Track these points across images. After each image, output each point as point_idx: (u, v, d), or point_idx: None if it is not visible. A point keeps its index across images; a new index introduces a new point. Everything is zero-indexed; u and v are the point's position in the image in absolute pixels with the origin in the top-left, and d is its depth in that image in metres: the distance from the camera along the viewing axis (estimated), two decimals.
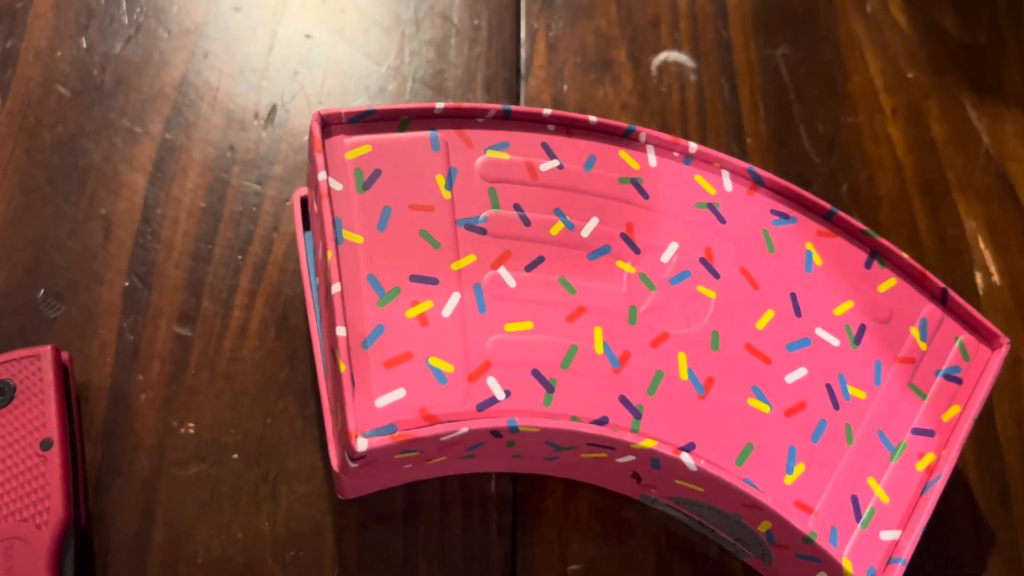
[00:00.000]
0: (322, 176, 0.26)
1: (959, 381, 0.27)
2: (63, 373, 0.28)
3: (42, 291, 0.31)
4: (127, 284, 0.31)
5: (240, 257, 0.32)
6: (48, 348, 0.28)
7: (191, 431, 0.29)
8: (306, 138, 0.34)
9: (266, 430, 0.29)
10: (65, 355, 0.29)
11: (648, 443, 0.25)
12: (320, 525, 0.28)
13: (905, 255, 0.28)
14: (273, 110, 0.35)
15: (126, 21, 0.36)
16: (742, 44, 0.39)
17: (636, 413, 0.25)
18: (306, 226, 0.31)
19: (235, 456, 0.29)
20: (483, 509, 0.29)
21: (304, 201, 0.31)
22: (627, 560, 0.28)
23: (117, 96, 0.35)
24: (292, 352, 0.30)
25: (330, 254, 0.25)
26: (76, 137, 0.34)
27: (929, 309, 0.28)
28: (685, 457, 0.25)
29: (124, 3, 0.37)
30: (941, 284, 0.28)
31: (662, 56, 0.38)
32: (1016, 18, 0.40)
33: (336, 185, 0.26)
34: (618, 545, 0.28)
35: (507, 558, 0.28)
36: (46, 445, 0.26)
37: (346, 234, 0.26)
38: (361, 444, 0.23)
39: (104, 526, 0.28)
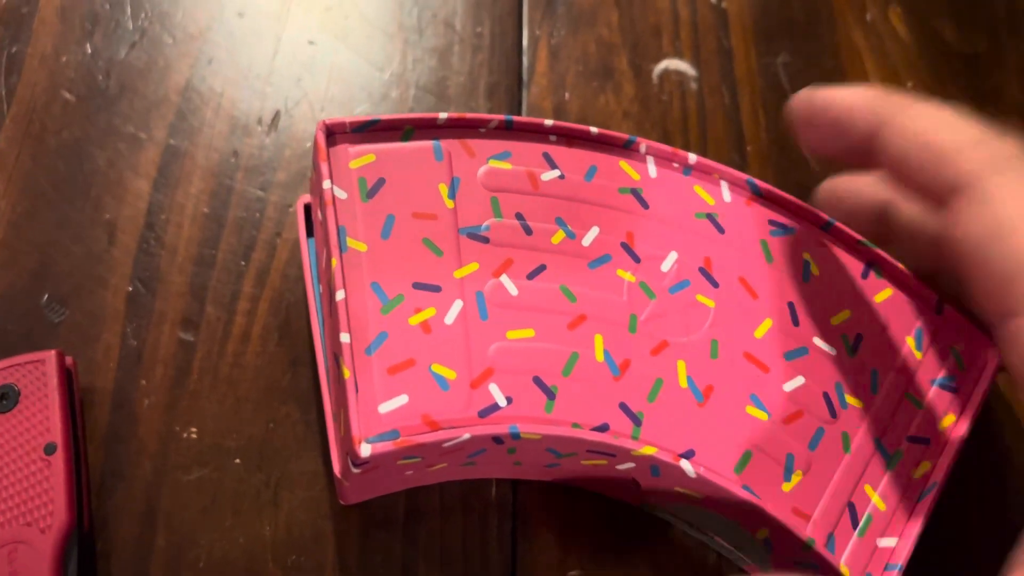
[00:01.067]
0: (327, 185, 0.26)
1: (955, 390, 0.28)
2: (67, 378, 0.28)
3: (46, 296, 0.31)
4: (131, 289, 0.31)
5: (243, 262, 0.32)
6: (52, 353, 0.28)
7: (193, 436, 0.29)
8: (309, 144, 0.34)
9: (268, 435, 0.29)
10: (69, 360, 0.29)
11: (648, 450, 0.25)
12: (321, 530, 0.28)
13: (901, 265, 0.29)
14: (277, 116, 0.35)
15: (131, 27, 0.36)
16: (743, 53, 0.39)
17: (636, 420, 0.25)
18: (309, 232, 0.31)
19: (237, 461, 0.29)
20: (483, 515, 0.29)
21: (307, 208, 0.31)
22: (626, 566, 0.29)
23: (122, 102, 0.35)
24: (294, 357, 0.31)
25: (334, 262, 0.26)
26: (81, 142, 0.34)
27: (924, 319, 0.28)
28: (684, 464, 0.25)
29: (129, 9, 0.37)
30: (936, 294, 0.28)
31: (663, 64, 0.38)
32: (1015, 28, 0.40)
33: (340, 194, 0.27)
34: (617, 552, 0.29)
35: (507, 564, 0.28)
36: (50, 449, 0.27)
37: (350, 242, 0.26)
38: (364, 450, 0.23)
39: (107, 530, 0.28)
